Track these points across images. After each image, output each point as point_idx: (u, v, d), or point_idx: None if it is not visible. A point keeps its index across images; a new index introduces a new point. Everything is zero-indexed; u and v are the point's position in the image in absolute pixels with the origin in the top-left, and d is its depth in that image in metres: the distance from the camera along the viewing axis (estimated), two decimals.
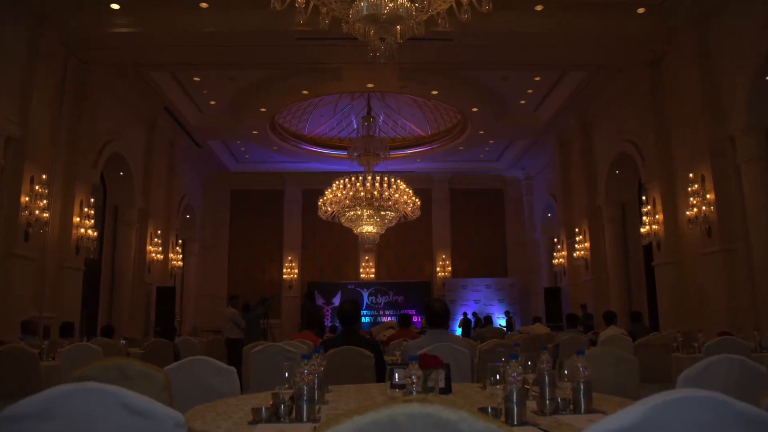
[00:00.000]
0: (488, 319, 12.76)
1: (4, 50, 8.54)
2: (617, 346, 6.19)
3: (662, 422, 1.23)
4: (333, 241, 18.54)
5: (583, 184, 13.71)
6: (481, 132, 15.11)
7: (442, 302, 4.31)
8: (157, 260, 13.47)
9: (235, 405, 2.44)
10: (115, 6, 9.50)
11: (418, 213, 12.80)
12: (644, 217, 10.92)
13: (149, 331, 12.40)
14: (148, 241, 13.12)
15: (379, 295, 18.14)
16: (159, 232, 13.65)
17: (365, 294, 18.11)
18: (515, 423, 1.99)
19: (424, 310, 4.79)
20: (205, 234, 18.37)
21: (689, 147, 9.73)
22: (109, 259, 12.45)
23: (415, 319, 14.54)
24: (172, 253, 14.57)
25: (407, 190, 12.33)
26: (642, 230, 10.96)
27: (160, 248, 13.63)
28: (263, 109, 13.72)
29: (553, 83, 12.83)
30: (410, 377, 2.11)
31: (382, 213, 12.30)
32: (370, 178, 12.02)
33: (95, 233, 10.75)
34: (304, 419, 2.15)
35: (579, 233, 13.80)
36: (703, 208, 9.21)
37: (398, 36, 4.63)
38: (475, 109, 13.83)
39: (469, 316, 16.38)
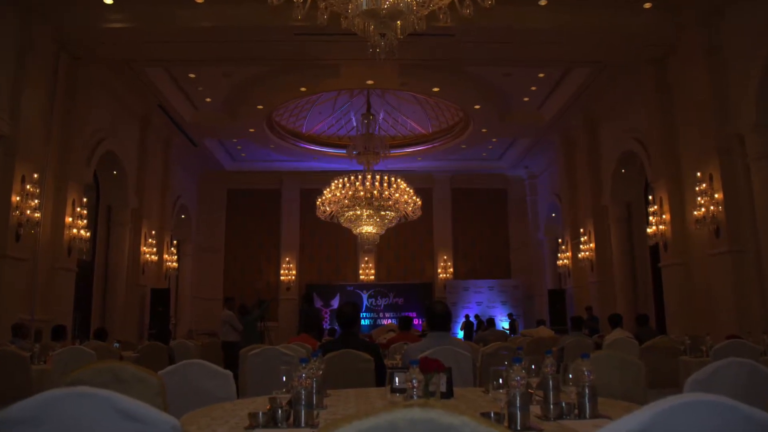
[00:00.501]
0: (491, 322, 12.80)
1: None
2: (623, 349, 6.16)
3: (669, 427, 1.22)
4: (332, 241, 18.40)
5: (588, 184, 13.60)
6: (484, 130, 15.04)
7: (443, 304, 4.32)
8: (152, 261, 13.35)
9: (231, 410, 2.43)
10: (108, 0, 9.33)
11: (418, 213, 12.74)
12: (651, 217, 10.80)
13: (143, 334, 12.32)
14: (142, 241, 13.01)
15: (378, 297, 17.99)
16: (153, 232, 13.53)
17: (365, 296, 17.97)
18: (519, 428, 1.98)
19: (425, 312, 4.83)
20: (201, 234, 18.25)
21: (697, 145, 9.60)
22: (103, 260, 12.31)
23: (415, 321, 14.54)
24: (167, 254, 14.47)
25: (408, 189, 12.29)
26: (648, 231, 10.84)
27: (155, 249, 13.52)
28: (260, 107, 13.64)
29: (557, 80, 12.72)
30: (411, 381, 2.11)
31: (382, 213, 12.29)
32: (369, 177, 11.96)
33: (88, 234, 10.62)
34: (302, 425, 2.16)
35: (584, 234, 13.72)
36: (711, 207, 9.08)
37: (398, 31, 4.60)
38: (477, 107, 13.75)
39: (472, 318, 16.25)
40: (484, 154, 17.45)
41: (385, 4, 4.22)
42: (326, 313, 17.21)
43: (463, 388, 3.27)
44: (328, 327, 14.21)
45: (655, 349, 6.18)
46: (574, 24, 9.79)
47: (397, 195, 12.00)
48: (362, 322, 16.28)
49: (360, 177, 11.98)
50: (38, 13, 9.11)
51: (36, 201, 8.96)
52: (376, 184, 11.82)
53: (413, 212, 12.48)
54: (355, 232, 13.22)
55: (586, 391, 2.24)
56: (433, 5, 4.46)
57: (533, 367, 2.43)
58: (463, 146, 16.22)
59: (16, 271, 8.70)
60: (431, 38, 9.68)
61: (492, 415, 2.14)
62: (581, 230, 13.85)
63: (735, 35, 8.84)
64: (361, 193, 11.81)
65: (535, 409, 2.29)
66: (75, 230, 10.21)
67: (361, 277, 18.46)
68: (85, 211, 10.53)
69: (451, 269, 18.53)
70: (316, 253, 18.84)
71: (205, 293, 17.76)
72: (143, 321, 12.77)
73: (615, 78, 11.74)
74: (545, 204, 17.59)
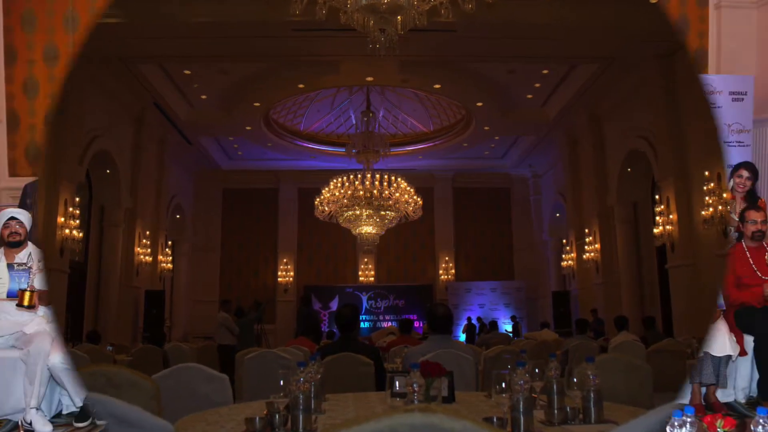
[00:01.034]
0: (493, 325, 12.85)
1: None
2: (629, 352, 6.24)
3: None
4: (330, 242, 18.20)
5: (594, 183, 13.48)
6: (486, 128, 14.89)
7: (445, 307, 4.43)
8: (146, 262, 13.20)
9: (227, 414, 2.42)
10: None
11: (419, 213, 12.87)
12: (657, 217, 10.70)
13: (137, 337, 12.22)
14: (136, 242, 12.85)
15: (378, 299, 17.85)
16: (147, 233, 13.38)
17: (364, 298, 17.83)
18: None
19: (426, 314, 4.92)
20: (196, 235, 18.03)
21: (705, 143, 9.41)
22: (95, 261, 12.13)
23: (416, 324, 14.42)
24: (162, 255, 14.31)
25: (408, 188, 12.36)
26: (655, 231, 10.74)
27: (149, 250, 13.35)
28: (257, 104, 13.48)
29: (561, 77, 12.56)
30: (412, 385, 2.13)
31: (382, 213, 12.40)
32: (369, 176, 12.04)
33: (81, 234, 10.41)
34: (300, 430, 2.17)
35: (589, 234, 13.58)
36: (719, 207, 8.92)
37: (399, 27, 4.61)
38: (479, 104, 13.61)
39: (474, 321, 16.18)
40: (486, 153, 17.29)
41: None
42: (325, 315, 17.10)
43: (465, 392, 3.29)
44: (327, 330, 14.14)
45: (662, 352, 6.22)
46: (578, 18, 9.62)
47: (397, 194, 12.09)
48: (362, 324, 16.23)
49: (359, 176, 12.05)
50: None
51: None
52: (376, 183, 11.86)
53: (414, 212, 12.57)
54: (354, 232, 13.24)
55: (591, 395, 2.24)
56: (434, 0, 4.48)
57: (537, 370, 2.44)
58: (465, 144, 16.08)
59: None
60: (432, 34, 9.53)
61: (495, 420, 2.14)
62: (586, 230, 13.72)
63: None
64: (361, 192, 11.91)
65: (539, 414, 2.30)
66: (67, 231, 9.97)
67: (361, 278, 18.31)
68: (77, 211, 10.29)
69: (453, 270, 18.37)
70: (315, 254, 18.67)
71: (200, 295, 17.57)
72: (137, 323, 12.63)
73: (621, 74, 11.55)
74: (549, 204, 17.45)
